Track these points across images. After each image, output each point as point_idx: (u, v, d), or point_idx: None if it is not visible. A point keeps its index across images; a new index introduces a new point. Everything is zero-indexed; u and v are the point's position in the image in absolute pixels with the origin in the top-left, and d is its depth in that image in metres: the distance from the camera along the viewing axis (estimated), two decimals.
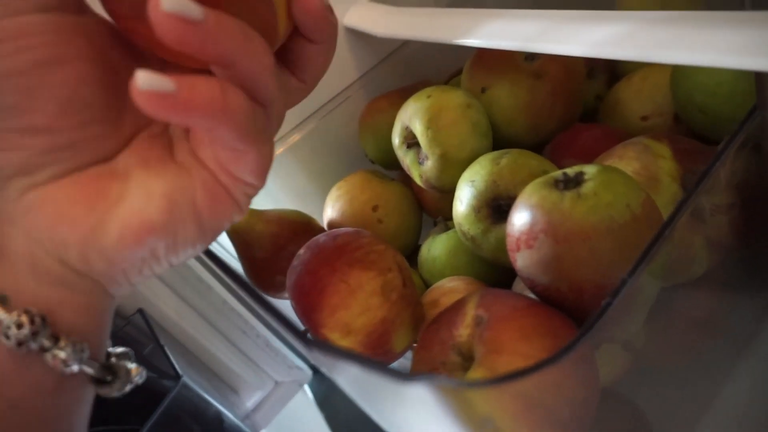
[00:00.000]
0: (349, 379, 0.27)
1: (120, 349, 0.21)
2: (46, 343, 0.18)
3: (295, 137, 0.49)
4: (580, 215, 0.24)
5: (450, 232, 0.39)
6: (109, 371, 0.20)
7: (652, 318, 0.32)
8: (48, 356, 0.18)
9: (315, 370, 0.62)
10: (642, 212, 0.25)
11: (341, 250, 0.30)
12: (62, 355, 0.18)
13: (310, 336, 0.29)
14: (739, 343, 0.38)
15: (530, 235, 0.25)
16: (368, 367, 0.16)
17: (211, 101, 0.16)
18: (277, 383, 0.59)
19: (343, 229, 0.32)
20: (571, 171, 0.26)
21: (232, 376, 0.54)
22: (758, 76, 0.25)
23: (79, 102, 0.18)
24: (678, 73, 0.37)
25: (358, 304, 0.28)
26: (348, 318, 0.28)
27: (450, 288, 0.34)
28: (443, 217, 0.42)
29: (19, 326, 0.17)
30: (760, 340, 0.38)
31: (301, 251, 0.32)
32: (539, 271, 0.25)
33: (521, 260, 0.26)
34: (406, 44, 0.53)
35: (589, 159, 0.36)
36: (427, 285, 0.40)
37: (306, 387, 0.61)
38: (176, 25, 0.15)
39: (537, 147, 0.40)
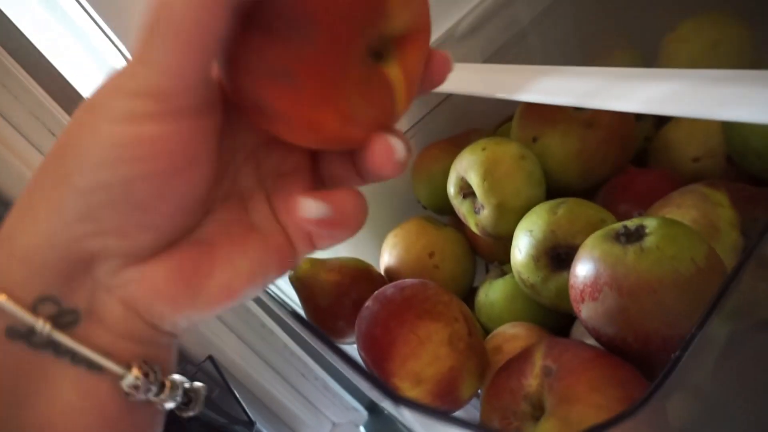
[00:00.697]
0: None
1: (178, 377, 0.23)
2: (155, 390, 0.20)
3: None
4: (645, 269, 0.25)
5: (507, 277, 0.40)
6: (188, 395, 0.22)
7: (721, 362, 0.32)
8: (155, 400, 0.20)
9: (370, 411, 0.63)
10: (706, 264, 0.25)
11: (409, 302, 0.32)
12: (164, 397, 0.20)
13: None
14: None
15: (595, 288, 0.26)
16: (456, 425, 0.18)
17: (357, 220, 0.20)
18: (334, 424, 0.60)
19: (409, 281, 0.34)
20: (631, 224, 0.27)
21: (292, 419, 0.56)
22: None
23: (196, 201, 0.19)
24: None
25: (428, 354, 0.30)
26: (418, 368, 0.30)
27: (512, 335, 0.35)
28: (498, 261, 0.43)
29: (138, 379, 0.19)
30: None
31: (369, 302, 0.34)
32: (604, 323, 0.26)
33: (586, 311, 0.27)
34: (451, 95, 0.55)
35: (644, 204, 0.36)
36: (485, 329, 0.41)
37: (362, 428, 0.62)
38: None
39: (590, 192, 0.41)
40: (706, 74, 0.29)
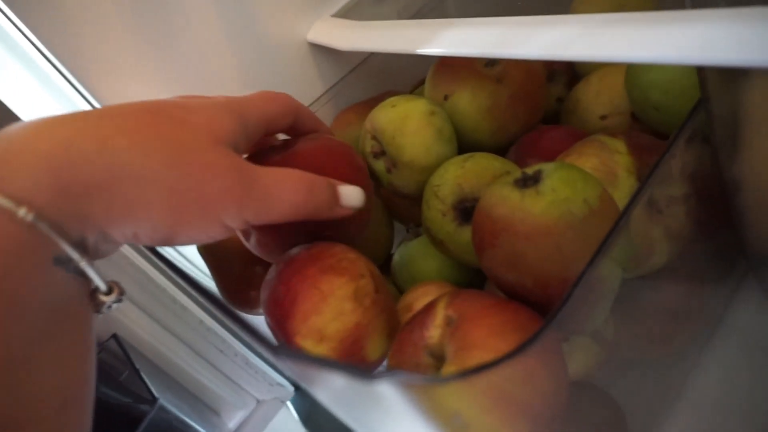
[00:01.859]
0: (325, 390, 0.27)
1: None
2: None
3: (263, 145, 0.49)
4: (540, 211, 0.25)
5: (421, 238, 0.40)
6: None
7: (619, 310, 0.33)
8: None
9: (297, 387, 0.62)
10: (600, 206, 0.26)
11: (313, 258, 0.31)
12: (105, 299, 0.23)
13: (283, 347, 0.29)
14: (706, 330, 0.39)
15: (493, 234, 0.26)
16: (334, 368, 0.17)
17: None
18: (259, 402, 0.59)
19: (315, 242, 0.33)
20: (530, 170, 0.27)
21: (212, 397, 0.54)
22: (700, 71, 0.26)
23: None
24: (631, 72, 0.38)
25: (331, 309, 0.29)
26: (321, 324, 0.28)
27: (423, 291, 0.35)
28: (414, 224, 0.43)
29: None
30: (725, 327, 0.39)
31: (274, 265, 0.32)
32: (504, 269, 0.26)
33: (486, 260, 0.27)
34: (371, 56, 0.54)
35: (551, 158, 0.36)
36: (401, 292, 0.41)
37: (289, 404, 0.61)
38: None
39: (502, 150, 0.41)
40: (599, 18, 0.29)
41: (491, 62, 0.40)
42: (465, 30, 0.36)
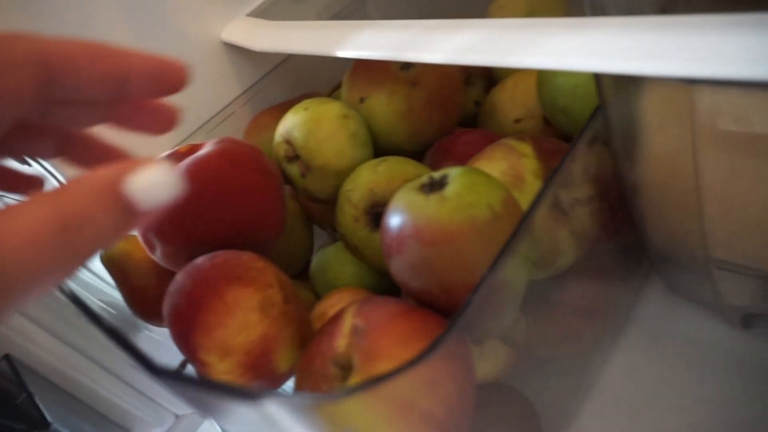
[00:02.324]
0: (222, 417, 0.26)
1: None
2: None
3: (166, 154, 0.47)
4: (445, 217, 0.25)
5: (337, 244, 0.39)
6: None
7: (530, 309, 0.34)
8: None
9: None
10: (503, 210, 0.26)
11: (219, 268, 0.29)
12: None
13: (184, 366, 0.28)
14: (616, 327, 0.41)
15: (399, 241, 0.25)
16: (218, 391, 0.15)
17: None
18: (177, 417, 0.56)
19: (223, 251, 0.31)
20: (437, 174, 0.27)
21: (124, 415, 0.51)
22: (596, 78, 0.27)
23: None
24: (541, 77, 0.39)
25: (236, 321, 0.27)
26: (225, 337, 0.27)
27: (337, 299, 0.34)
28: (331, 228, 0.42)
29: None
30: (633, 323, 0.41)
31: (178, 275, 0.31)
32: (410, 276, 0.26)
33: (394, 266, 0.26)
34: (290, 58, 0.52)
35: (465, 161, 0.37)
36: (319, 297, 0.40)
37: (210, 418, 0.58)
38: None
39: (419, 154, 0.41)
40: (506, 23, 0.29)
41: (406, 65, 0.39)
42: (379, 32, 0.36)
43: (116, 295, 0.40)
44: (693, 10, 0.24)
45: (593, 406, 0.38)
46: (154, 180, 0.17)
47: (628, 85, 0.27)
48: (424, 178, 0.27)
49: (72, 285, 0.27)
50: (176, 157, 0.34)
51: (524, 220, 0.24)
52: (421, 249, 0.25)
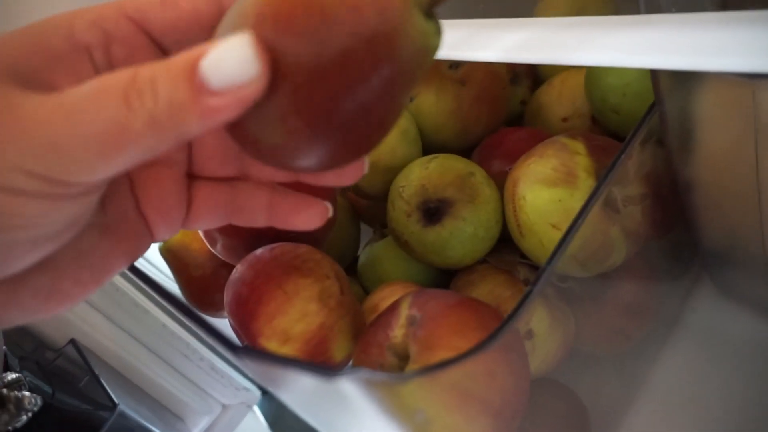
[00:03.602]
0: (290, 392, 0.27)
1: (11, 376, 0.20)
2: None
3: None
4: None
5: (387, 239, 0.40)
6: None
7: (581, 307, 0.34)
8: None
9: (264, 391, 0.61)
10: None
11: (278, 259, 0.30)
12: None
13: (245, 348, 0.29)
14: (665, 326, 0.40)
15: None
16: (295, 367, 0.16)
17: None
18: (224, 407, 0.58)
19: (280, 243, 0.32)
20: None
21: (176, 403, 0.53)
22: (653, 74, 0.27)
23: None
24: (590, 76, 0.39)
25: (296, 310, 0.28)
26: (285, 324, 0.28)
27: (389, 292, 0.35)
28: (380, 225, 0.43)
29: None
30: (682, 323, 0.41)
31: (239, 266, 0.32)
32: None
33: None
34: None
35: (514, 159, 0.37)
36: (367, 293, 0.41)
37: (255, 408, 0.60)
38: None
39: (466, 151, 0.42)
40: (560, 21, 0.29)
41: (455, 65, 0.40)
42: None
43: (173, 287, 0.42)
44: (755, 6, 0.24)
45: (643, 405, 0.38)
46: (226, 54, 0.15)
47: (686, 81, 0.27)
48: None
49: (147, 269, 0.29)
50: None
51: (580, 214, 0.25)
52: None
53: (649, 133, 0.29)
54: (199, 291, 0.41)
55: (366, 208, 0.45)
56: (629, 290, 0.37)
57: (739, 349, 0.38)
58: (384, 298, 0.34)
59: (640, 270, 0.37)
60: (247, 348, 0.18)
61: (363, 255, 0.41)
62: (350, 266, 0.45)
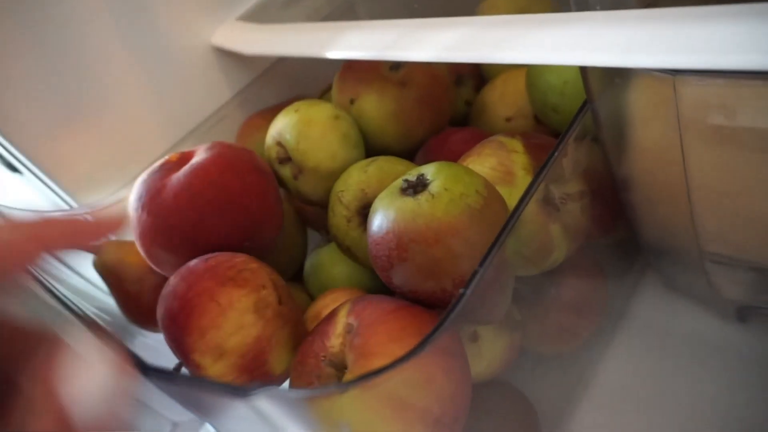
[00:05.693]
0: (218, 417, 0.26)
1: None
2: None
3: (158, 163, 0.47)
4: (442, 212, 0.25)
5: (330, 244, 0.39)
6: None
7: (526, 306, 0.34)
8: None
9: None
10: (489, 193, 0.26)
11: (212, 270, 0.29)
12: None
13: (179, 370, 0.28)
14: (611, 322, 0.41)
15: (401, 248, 0.25)
16: (207, 388, 0.15)
17: None
18: (175, 424, 0.55)
19: (216, 253, 0.31)
20: (411, 176, 0.27)
21: None
22: (583, 71, 0.27)
23: None
24: (531, 75, 0.39)
25: (230, 323, 0.27)
26: (219, 339, 0.27)
27: (332, 299, 0.34)
28: (325, 230, 0.42)
29: None
30: (628, 318, 0.41)
31: (171, 278, 0.31)
32: (420, 280, 0.25)
33: (398, 276, 0.26)
34: (280, 61, 0.52)
35: (457, 159, 0.37)
36: (314, 299, 0.40)
37: (207, 425, 0.58)
38: None
39: (410, 154, 0.41)
40: (491, 20, 0.29)
41: (395, 66, 0.40)
42: (367, 32, 0.36)
43: (110, 301, 0.40)
44: (677, 4, 0.24)
45: (591, 403, 0.38)
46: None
47: (615, 78, 0.27)
48: (399, 183, 0.27)
49: (63, 290, 0.27)
50: (168, 166, 0.34)
51: (515, 212, 0.24)
52: (428, 249, 0.24)
53: (583, 130, 0.29)
54: (138, 307, 0.39)
55: (311, 214, 0.44)
56: (574, 287, 0.37)
57: (686, 343, 0.39)
58: (327, 305, 0.33)
59: (584, 267, 0.37)
60: (156, 369, 0.17)
61: (307, 261, 0.40)
62: (298, 273, 0.44)
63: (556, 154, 0.26)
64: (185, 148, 0.36)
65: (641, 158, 0.29)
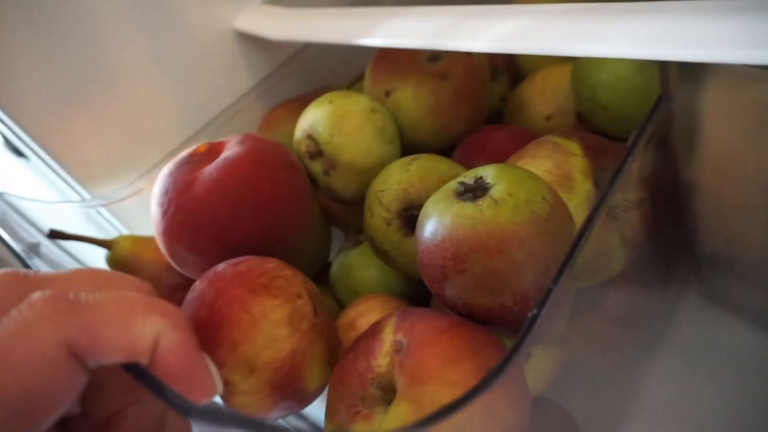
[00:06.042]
0: None
1: None
2: None
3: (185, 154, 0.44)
4: (506, 220, 0.22)
5: (361, 247, 0.36)
6: None
7: (573, 319, 0.31)
8: None
9: None
10: (554, 200, 0.24)
11: (242, 277, 0.27)
12: None
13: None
14: (654, 336, 0.38)
15: (458, 259, 0.23)
16: (231, 425, 0.13)
17: None
18: None
19: (246, 257, 0.29)
20: (468, 179, 0.24)
21: None
22: (661, 66, 0.24)
23: None
24: (579, 71, 0.37)
25: (263, 336, 0.25)
26: (251, 353, 0.25)
27: (366, 307, 0.31)
28: (354, 230, 0.40)
29: None
30: (672, 332, 0.39)
31: (197, 282, 0.28)
32: (477, 294, 0.23)
33: (453, 288, 0.23)
34: (305, 48, 0.50)
35: (501, 160, 0.34)
36: (340, 305, 0.37)
37: None
38: None
39: (445, 150, 0.39)
40: (554, 8, 0.26)
41: (434, 57, 0.37)
42: (408, 20, 0.33)
43: None
44: None
45: (633, 420, 0.36)
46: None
47: (693, 76, 0.25)
48: (454, 186, 0.24)
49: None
50: (196, 158, 0.32)
51: (587, 227, 0.22)
52: (490, 261, 0.22)
53: (653, 133, 0.27)
54: None
55: (337, 212, 0.41)
56: (620, 299, 0.34)
57: (729, 358, 0.37)
58: (361, 314, 0.31)
59: (632, 278, 0.35)
60: (199, 410, 0.14)
61: (335, 264, 0.38)
62: (321, 273, 0.42)
63: (628, 159, 0.24)
64: (203, 140, 0.33)
65: (715, 162, 0.27)
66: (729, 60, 0.21)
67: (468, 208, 0.23)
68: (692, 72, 0.25)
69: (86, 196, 0.42)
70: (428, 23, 0.31)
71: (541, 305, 0.19)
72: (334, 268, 0.38)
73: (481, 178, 0.24)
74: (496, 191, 0.23)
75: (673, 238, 0.36)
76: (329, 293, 0.39)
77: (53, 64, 0.37)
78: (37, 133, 0.38)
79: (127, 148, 0.42)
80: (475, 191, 0.23)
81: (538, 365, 0.28)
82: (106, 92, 0.40)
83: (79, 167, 0.41)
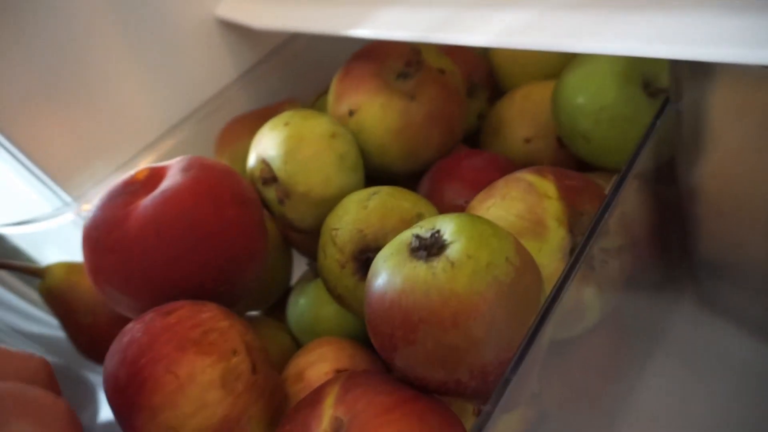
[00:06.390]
0: None
1: None
2: None
3: (167, 144, 0.41)
4: (463, 287, 0.19)
5: (318, 280, 0.33)
6: None
7: (546, 372, 0.29)
8: None
9: None
10: (520, 261, 0.21)
11: (171, 330, 0.24)
12: None
13: None
14: (629, 382, 0.36)
15: (408, 329, 0.20)
16: None
17: None
18: None
19: (180, 303, 0.25)
20: (423, 232, 0.21)
21: None
22: (672, 65, 0.22)
23: None
24: (558, 94, 0.34)
25: (189, 401, 0.22)
26: (174, 421, 0.22)
27: (319, 355, 0.28)
28: (313, 259, 0.37)
29: None
30: (665, 338, 0.36)
31: (131, 324, 0.25)
32: (430, 368, 0.20)
33: (402, 360, 0.21)
34: (293, 39, 0.46)
35: (472, 188, 0.31)
36: (297, 342, 0.35)
37: None
38: None
39: (414, 177, 0.36)
40: (559, 1, 0.24)
41: (403, 74, 0.34)
42: (404, 10, 0.30)
43: (59, 334, 0.35)
44: None
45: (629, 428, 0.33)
46: None
47: (701, 76, 0.22)
48: (408, 239, 0.21)
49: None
50: (133, 187, 0.28)
51: (560, 289, 0.19)
52: (443, 334, 0.19)
53: (637, 175, 0.24)
54: (91, 342, 0.34)
55: (297, 239, 0.38)
56: (596, 349, 0.32)
57: (726, 366, 0.34)
58: (312, 363, 0.28)
59: (609, 327, 0.32)
60: None
61: (292, 298, 0.35)
62: (281, 301, 0.39)
63: (610, 208, 0.21)
64: (182, 134, 0.30)
65: (721, 166, 0.24)
66: (746, 60, 0.18)
67: (421, 269, 0.20)
68: (699, 73, 0.22)
69: (60, 192, 0.39)
70: (423, 14, 0.28)
71: (494, 400, 0.17)
72: (291, 300, 0.35)
73: (438, 232, 0.21)
74: (454, 251, 0.20)
75: (669, 244, 0.34)
76: (287, 328, 0.36)
77: (21, 55, 0.34)
78: (4, 127, 0.35)
79: (102, 143, 0.40)
80: (431, 248, 0.20)
81: (502, 428, 0.25)
82: (78, 84, 0.37)
83: (51, 162, 0.38)
